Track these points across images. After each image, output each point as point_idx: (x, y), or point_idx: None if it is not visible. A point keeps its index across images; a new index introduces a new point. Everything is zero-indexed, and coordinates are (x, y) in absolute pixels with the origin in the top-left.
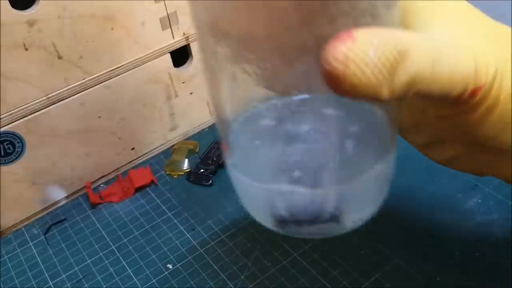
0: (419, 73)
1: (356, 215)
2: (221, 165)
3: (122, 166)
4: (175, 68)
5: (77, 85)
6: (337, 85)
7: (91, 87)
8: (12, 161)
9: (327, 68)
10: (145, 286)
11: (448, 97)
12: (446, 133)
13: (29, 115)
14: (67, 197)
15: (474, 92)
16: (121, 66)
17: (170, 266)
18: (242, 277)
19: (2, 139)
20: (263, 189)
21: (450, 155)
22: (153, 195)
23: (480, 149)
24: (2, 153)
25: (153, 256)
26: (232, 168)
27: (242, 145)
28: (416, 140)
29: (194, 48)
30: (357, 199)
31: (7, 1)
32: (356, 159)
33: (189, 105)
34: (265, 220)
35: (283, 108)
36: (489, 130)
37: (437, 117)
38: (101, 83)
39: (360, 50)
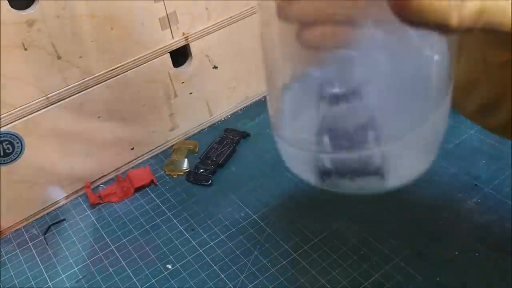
0: (491, 2)
1: (402, 172)
2: (220, 165)
3: (122, 166)
4: (175, 68)
5: (77, 85)
6: (404, 9)
7: (91, 87)
8: (11, 161)
9: None
10: (144, 286)
11: None
12: (507, 86)
13: (28, 115)
14: (66, 197)
15: None
16: (120, 66)
17: (169, 266)
18: (242, 277)
19: (1, 139)
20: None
21: (506, 119)
22: (152, 195)
23: None
24: (2, 153)
25: (153, 256)
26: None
27: (288, 107)
28: (470, 105)
29: (194, 48)
30: (405, 155)
31: (7, 1)
32: (405, 114)
33: (188, 105)
34: (307, 172)
35: (330, 70)
36: None
37: (500, 64)
38: (101, 83)
39: None
